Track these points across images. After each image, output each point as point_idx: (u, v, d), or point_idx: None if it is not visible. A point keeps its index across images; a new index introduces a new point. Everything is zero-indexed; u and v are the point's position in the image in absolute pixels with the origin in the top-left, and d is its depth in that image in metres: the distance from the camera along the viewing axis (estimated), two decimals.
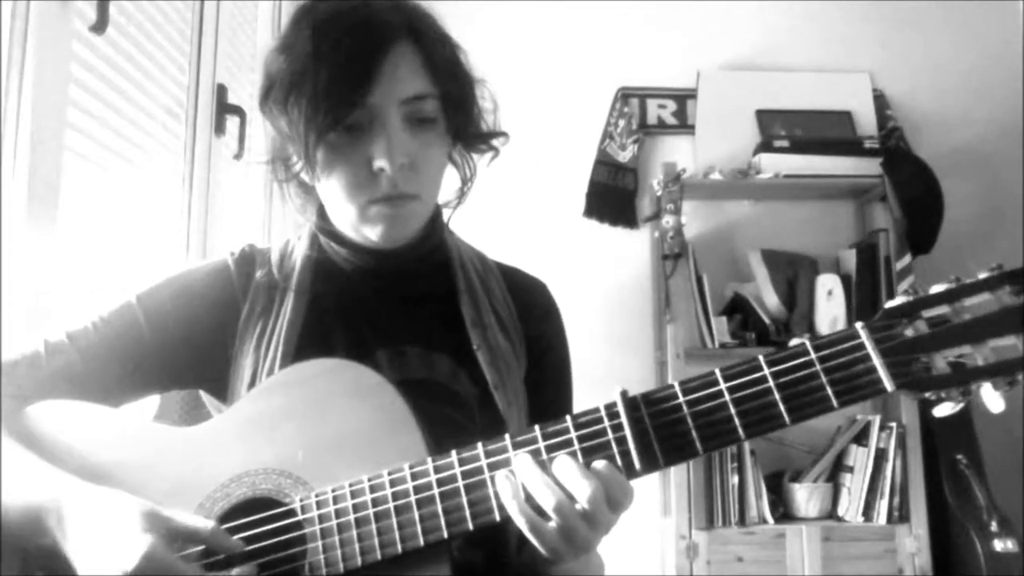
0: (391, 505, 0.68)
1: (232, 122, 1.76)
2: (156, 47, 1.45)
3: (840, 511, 2.28)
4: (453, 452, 0.69)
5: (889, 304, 0.66)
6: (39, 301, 1.07)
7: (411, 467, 0.69)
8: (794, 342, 0.66)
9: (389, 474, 0.69)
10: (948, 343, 0.63)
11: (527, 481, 0.66)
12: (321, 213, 0.89)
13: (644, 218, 2.57)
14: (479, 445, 0.69)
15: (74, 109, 1.17)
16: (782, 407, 0.65)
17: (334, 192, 0.82)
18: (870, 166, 2.40)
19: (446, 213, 0.92)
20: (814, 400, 0.65)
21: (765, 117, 2.57)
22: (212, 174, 1.67)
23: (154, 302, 0.85)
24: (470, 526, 0.67)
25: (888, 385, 0.63)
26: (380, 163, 0.78)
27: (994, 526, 2.16)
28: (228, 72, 1.77)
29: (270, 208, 2.06)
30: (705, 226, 2.60)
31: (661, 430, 0.67)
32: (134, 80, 1.37)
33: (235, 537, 0.69)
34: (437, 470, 0.68)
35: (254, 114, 1.87)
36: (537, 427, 0.69)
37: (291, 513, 0.70)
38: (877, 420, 2.30)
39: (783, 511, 2.30)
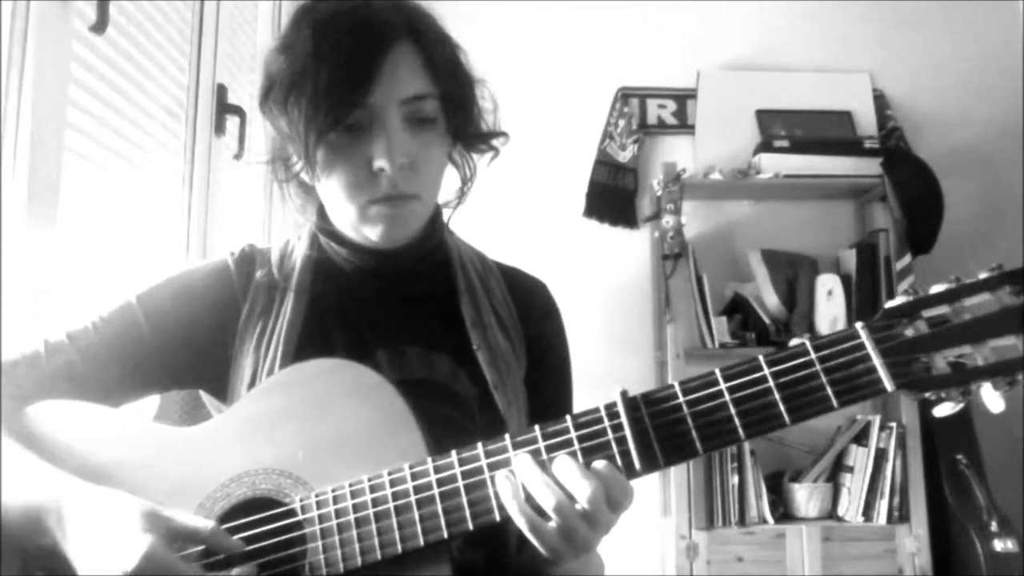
0: (391, 505, 0.68)
1: (232, 122, 1.76)
2: (156, 47, 1.45)
3: (840, 511, 2.28)
4: (453, 452, 0.69)
5: (889, 304, 0.66)
6: (39, 301, 1.07)
7: (411, 467, 0.69)
8: (794, 342, 0.66)
9: (389, 474, 0.69)
10: (948, 343, 0.63)
11: (527, 481, 0.66)
12: (321, 213, 0.89)
13: (644, 218, 2.58)
14: (479, 445, 0.69)
15: (74, 109, 1.17)
16: (782, 407, 0.65)
17: (334, 192, 0.82)
18: (870, 166, 2.40)
19: (446, 213, 0.92)
20: (814, 400, 0.65)
21: (765, 117, 2.57)
22: (212, 174, 1.67)
23: (154, 302, 0.85)
24: (470, 526, 0.67)
25: (888, 385, 0.63)
26: (380, 163, 0.78)
27: (994, 526, 2.16)
28: (228, 72, 1.77)
29: (270, 208, 2.06)
30: (705, 226, 2.60)
31: (661, 430, 0.67)
32: (134, 80, 1.37)
33: (235, 537, 0.69)
34: (437, 470, 0.68)
35: (254, 114, 1.87)
36: (537, 427, 0.69)
37: (291, 513, 0.70)
38: (877, 420, 2.30)
39: (783, 511, 2.30)
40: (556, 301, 0.96)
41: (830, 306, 2.37)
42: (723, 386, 0.66)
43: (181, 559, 0.65)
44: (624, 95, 2.63)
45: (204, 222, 1.64)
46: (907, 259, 2.32)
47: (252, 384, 0.81)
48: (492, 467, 0.68)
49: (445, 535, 0.67)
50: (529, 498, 0.66)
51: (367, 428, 0.72)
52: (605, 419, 0.68)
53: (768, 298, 2.42)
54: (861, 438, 2.31)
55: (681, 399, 0.67)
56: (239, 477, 0.72)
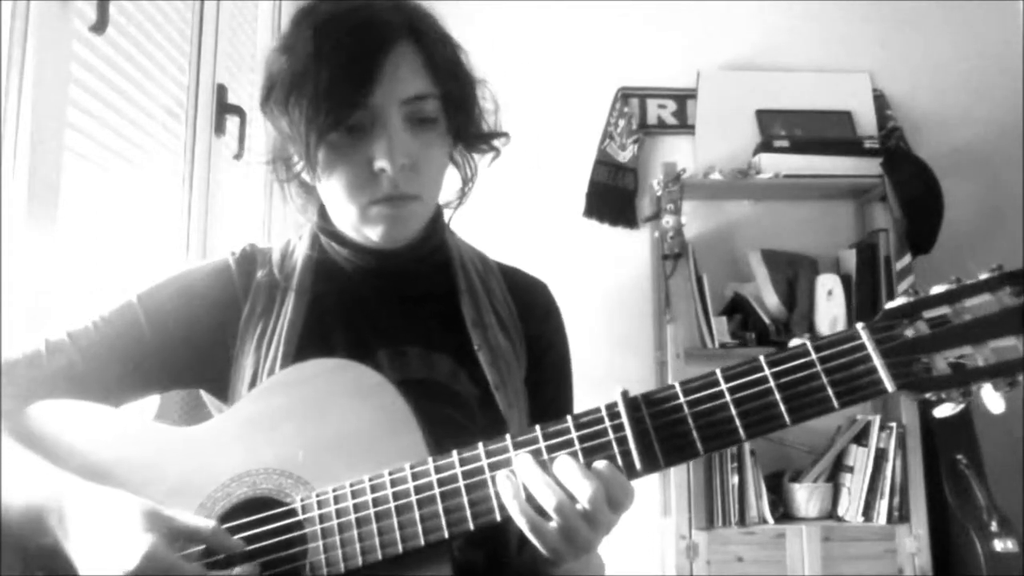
0: (392, 505, 0.68)
1: (232, 122, 1.76)
2: (156, 47, 1.45)
3: (840, 511, 2.28)
4: (454, 452, 0.69)
5: (890, 305, 0.66)
6: (39, 301, 1.07)
7: (412, 467, 0.69)
8: (795, 342, 0.66)
9: (390, 474, 0.69)
10: (948, 344, 0.63)
11: (528, 481, 0.66)
12: (322, 213, 0.89)
13: (644, 218, 2.58)
14: (480, 445, 0.69)
15: (74, 109, 1.17)
16: (783, 407, 0.65)
17: (335, 192, 0.82)
18: (870, 166, 2.40)
19: (447, 213, 0.92)
20: (815, 400, 0.65)
21: (765, 117, 2.57)
22: (212, 174, 1.67)
23: (155, 302, 0.85)
24: (471, 526, 0.67)
25: (889, 386, 0.63)
26: (381, 163, 0.78)
27: (994, 526, 2.16)
28: (228, 72, 1.77)
29: (270, 208, 2.06)
30: (705, 226, 2.60)
31: (662, 430, 0.67)
32: (134, 80, 1.37)
33: (236, 537, 0.69)
34: (438, 470, 0.68)
35: (254, 114, 1.87)
36: (538, 427, 0.69)
37: (292, 513, 0.70)
38: (877, 420, 2.30)
39: (783, 511, 2.30)
40: (556, 301, 0.96)
41: (830, 306, 2.37)
42: (724, 386, 0.66)
43: (182, 558, 0.65)
44: (624, 95, 2.63)
45: (204, 222, 1.64)
46: (907, 259, 2.32)
47: (253, 384, 0.81)
48: (493, 467, 0.68)
49: (446, 535, 0.67)
50: (530, 498, 0.66)
51: (368, 428, 0.72)
52: (606, 419, 0.68)
53: (768, 298, 2.42)
54: (861, 438, 2.31)
55: (682, 399, 0.67)
56: (240, 477, 0.72)
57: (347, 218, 0.84)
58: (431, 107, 0.81)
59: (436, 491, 0.68)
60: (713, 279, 2.42)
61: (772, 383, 0.65)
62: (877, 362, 0.64)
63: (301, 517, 0.70)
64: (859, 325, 0.65)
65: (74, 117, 1.17)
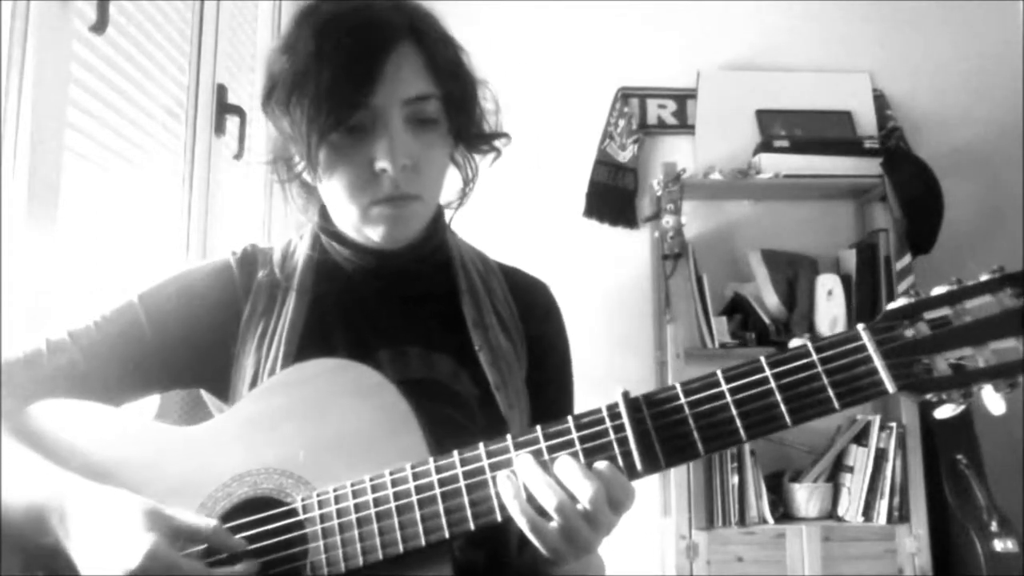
0: (393, 505, 0.68)
1: (232, 122, 1.76)
2: (156, 47, 1.45)
3: (840, 511, 2.28)
4: (455, 452, 0.69)
5: (891, 306, 0.66)
6: (39, 301, 1.07)
7: (413, 467, 0.69)
8: (795, 343, 0.66)
9: (391, 474, 0.69)
10: (949, 345, 0.64)
11: (529, 481, 0.66)
12: (323, 213, 0.89)
13: (644, 218, 2.57)
14: (481, 445, 0.69)
15: (74, 109, 1.17)
16: (784, 408, 0.65)
17: (336, 193, 0.82)
18: (870, 166, 2.40)
19: (448, 214, 0.92)
20: (816, 401, 0.65)
21: (765, 117, 2.57)
22: (212, 174, 1.67)
23: (156, 301, 0.85)
24: (471, 526, 0.67)
25: (889, 387, 0.63)
26: (382, 164, 0.78)
27: (994, 526, 2.16)
28: (228, 72, 1.77)
29: (270, 208, 2.06)
30: (705, 226, 2.60)
31: (663, 431, 0.67)
32: (134, 80, 1.37)
33: (237, 536, 0.69)
34: (439, 470, 0.69)
35: (254, 114, 1.87)
36: (539, 427, 0.69)
37: (292, 512, 0.70)
38: (877, 420, 2.30)
39: (783, 511, 2.30)
40: (557, 301, 0.96)
41: (830, 306, 2.37)
42: (724, 387, 0.66)
43: (183, 558, 0.65)
44: (624, 95, 2.63)
45: (204, 222, 1.64)
46: (907, 259, 2.32)
47: (254, 384, 0.81)
48: (494, 467, 0.68)
49: (447, 535, 0.67)
50: (531, 498, 0.66)
51: (368, 428, 0.72)
52: (607, 420, 0.68)
53: (768, 298, 2.42)
54: (861, 438, 2.31)
55: (683, 400, 0.67)
56: (240, 476, 0.72)
57: (348, 218, 0.84)
58: (432, 108, 0.81)
59: (437, 491, 0.68)
60: (713, 279, 2.42)
61: (773, 384, 0.66)
62: (878, 363, 0.64)
63: (302, 517, 0.70)
64: (860, 326, 0.65)
65: (74, 117, 1.17)
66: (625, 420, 0.67)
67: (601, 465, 0.66)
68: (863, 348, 0.65)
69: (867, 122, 2.57)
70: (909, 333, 0.64)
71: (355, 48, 0.77)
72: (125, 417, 0.81)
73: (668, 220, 2.32)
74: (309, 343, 0.83)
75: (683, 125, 2.64)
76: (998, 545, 2.13)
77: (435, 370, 0.84)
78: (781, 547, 2.19)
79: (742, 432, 0.66)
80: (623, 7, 2.66)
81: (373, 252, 0.86)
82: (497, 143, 0.90)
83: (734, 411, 0.66)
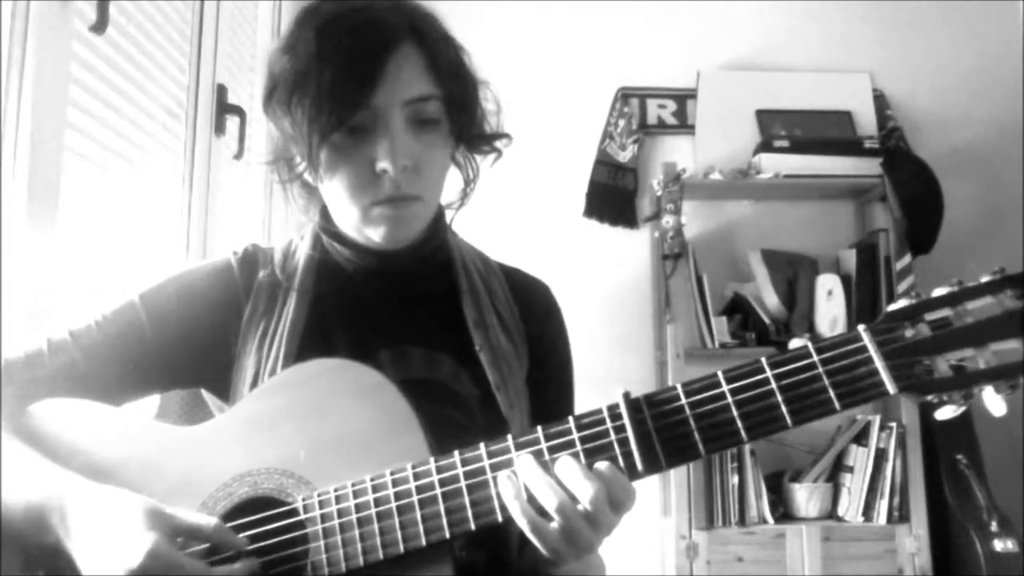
0: (393, 505, 0.68)
1: (232, 122, 1.76)
2: (156, 47, 1.45)
3: (840, 511, 2.28)
4: (456, 452, 0.69)
5: (892, 307, 0.66)
6: (39, 301, 1.06)
7: (414, 467, 0.69)
8: (796, 344, 0.66)
9: (391, 474, 0.69)
10: (950, 346, 0.64)
11: (529, 482, 0.67)
12: (324, 213, 0.89)
13: (644, 218, 2.57)
14: (482, 445, 0.69)
15: (74, 109, 1.17)
16: (784, 409, 0.65)
17: (337, 193, 0.82)
18: (870, 166, 2.40)
19: (449, 214, 0.92)
20: (817, 402, 0.65)
21: (765, 117, 2.57)
22: (212, 174, 1.67)
23: (157, 301, 0.85)
24: (472, 526, 0.67)
25: (890, 388, 0.63)
26: (383, 164, 0.78)
27: (994, 526, 2.16)
28: (228, 72, 1.77)
29: (270, 208, 2.06)
30: (705, 226, 2.60)
31: (663, 432, 0.67)
32: (134, 80, 1.37)
33: (238, 536, 0.69)
34: (439, 470, 0.69)
35: (254, 114, 1.87)
36: (540, 428, 0.69)
37: (293, 512, 0.70)
38: (877, 420, 2.30)
39: (783, 511, 2.30)
40: (558, 302, 0.97)
41: (830, 306, 2.37)
42: (725, 388, 0.66)
43: (184, 557, 0.65)
44: (624, 95, 2.63)
45: (204, 222, 1.64)
46: (907, 259, 2.32)
47: (254, 383, 0.81)
48: (495, 467, 0.68)
49: (447, 535, 0.67)
50: (531, 499, 0.66)
51: (369, 428, 0.72)
52: (608, 420, 0.68)
53: (768, 298, 2.42)
54: (861, 438, 2.31)
55: (683, 400, 0.67)
56: (241, 476, 0.72)
57: (349, 219, 0.84)
58: (433, 108, 0.81)
59: (438, 491, 0.68)
60: (713, 279, 2.42)
61: (774, 385, 0.66)
62: (879, 364, 0.64)
63: (303, 517, 0.70)
64: (861, 327, 0.65)
65: (74, 117, 1.17)
66: (626, 420, 0.67)
67: (602, 465, 0.66)
68: (864, 349, 0.65)
69: (867, 122, 2.57)
70: (910, 334, 0.64)
71: (356, 48, 0.77)
72: (126, 417, 0.81)
73: (668, 220, 2.32)
74: (310, 343, 0.83)
75: (683, 125, 2.64)
76: (998, 545, 2.13)
77: (436, 370, 0.84)
78: (781, 547, 2.19)
79: (743, 433, 0.66)
80: (623, 7, 2.65)
81: (374, 252, 0.86)
82: (498, 144, 0.90)
83: (735, 412, 0.66)
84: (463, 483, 0.68)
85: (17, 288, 1.02)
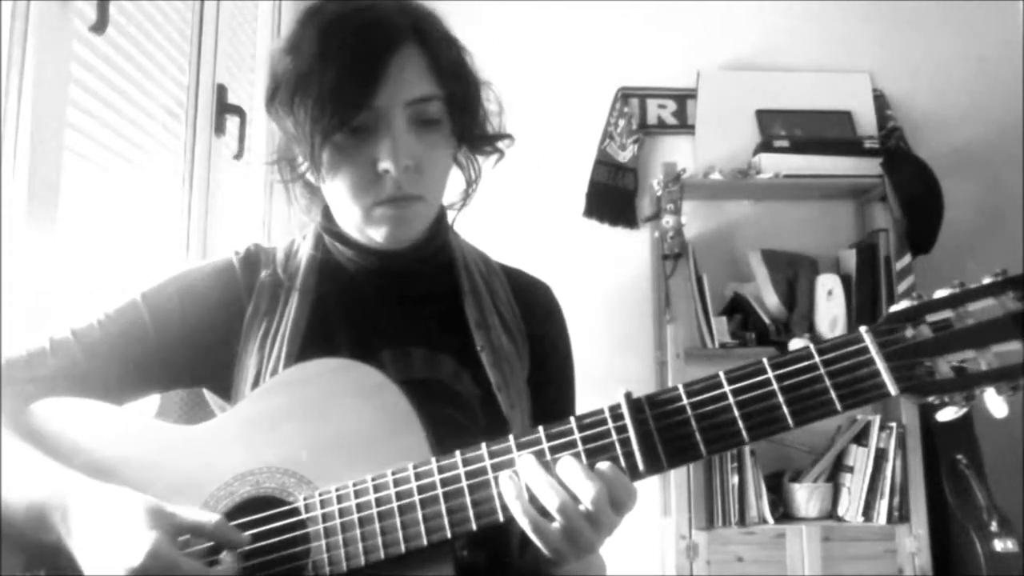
0: (394, 505, 0.68)
1: (232, 122, 1.76)
2: (156, 47, 1.45)
3: (840, 511, 2.28)
4: (457, 452, 0.69)
5: (893, 308, 0.66)
6: (39, 301, 1.06)
7: (415, 467, 0.69)
8: (797, 344, 0.66)
9: (393, 474, 0.69)
10: (951, 347, 0.64)
11: (531, 482, 0.67)
12: (326, 213, 0.89)
13: (644, 218, 2.57)
14: (483, 445, 0.69)
15: (74, 109, 1.17)
16: (786, 410, 0.65)
17: (339, 193, 0.82)
18: (870, 166, 2.40)
19: (450, 215, 0.92)
20: (818, 403, 0.65)
21: (765, 117, 2.57)
22: (212, 174, 1.67)
23: (158, 300, 0.85)
24: (473, 526, 0.67)
25: (892, 389, 0.63)
26: (385, 165, 0.78)
27: (994, 526, 2.16)
28: (228, 72, 1.77)
29: (270, 208, 2.06)
30: (705, 226, 2.60)
31: (665, 432, 0.67)
32: (134, 80, 1.37)
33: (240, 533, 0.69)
34: (441, 470, 0.69)
35: (254, 114, 1.87)
36: (541, 428, 0.69)
37: (295, 512, 0.70)
38: (877, 420, 2.30)
39: (783, 511, 2.30)
40: (559, 302, 0.97)
41: (830, 306, 2.37)
42: (727, 388, 0.66)
43: (186, 556, 0.65)
44: (624, 95, 2.63)
45: (204, 222, 1.64)
46: (907, 259, 2.32)
47: (256, 383, 0.81)
48: (496, 467, 0.68)
49: (448, 535, 0.67)
50: (533, 499, 0.66)
51: (370, 428, 0.72)
52: (609, 420, 0.68)
53: (768, 298, 2.42)
54: (861, 438, 2.31)
55: (685, 401, 0.67)
56: (243, 476, 0.73)
57: (351, 219, 0.84)
58: (435, 109, 0.81)
59: (439, 491, 0.68)
60: (713, 279, 2.42)
61: (775, 385, 0.66)
62: (880, 365, 0.64)
63: (304, 516, 0.70)
64: (862, 328, 0.65)
65: (74, 117, 1.17)
66: (628, 421, 0.67)
67: (603, 466, 0.66)
68: (865, 350, 0.65)
69: (867, 122, 2.57)
70: (911, 335, 0.64)
71: (359, 49, 0.77)
72: (127, 416, 0.81)
73: (668, 220, 2.32)
74: (311, 343, 0.83)
75: (683, 125, 2.64)
76: (998, 545, 2.13)
77: (437, 370, 0.84)
78: (781, 547, 2.19)
79: (744, 433, 0.66)
80: (623, 7, 2.65)
81: (376, 252, 0.86)
82: (500, 144, 0.90)
83: (736, 412, 0.66)
84: (464, 483, 0.68)
85: (17, 288, 1.02)
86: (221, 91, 1.70)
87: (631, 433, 0.67)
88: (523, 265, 0.98)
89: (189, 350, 0.84)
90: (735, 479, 2.22)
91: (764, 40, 2.67)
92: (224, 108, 1.71)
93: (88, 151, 1.24)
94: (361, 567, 0.68)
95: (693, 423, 0.66)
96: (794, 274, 2.43)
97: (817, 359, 0.65)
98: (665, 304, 2.33)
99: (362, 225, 0.83)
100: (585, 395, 0.90)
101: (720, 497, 2.22)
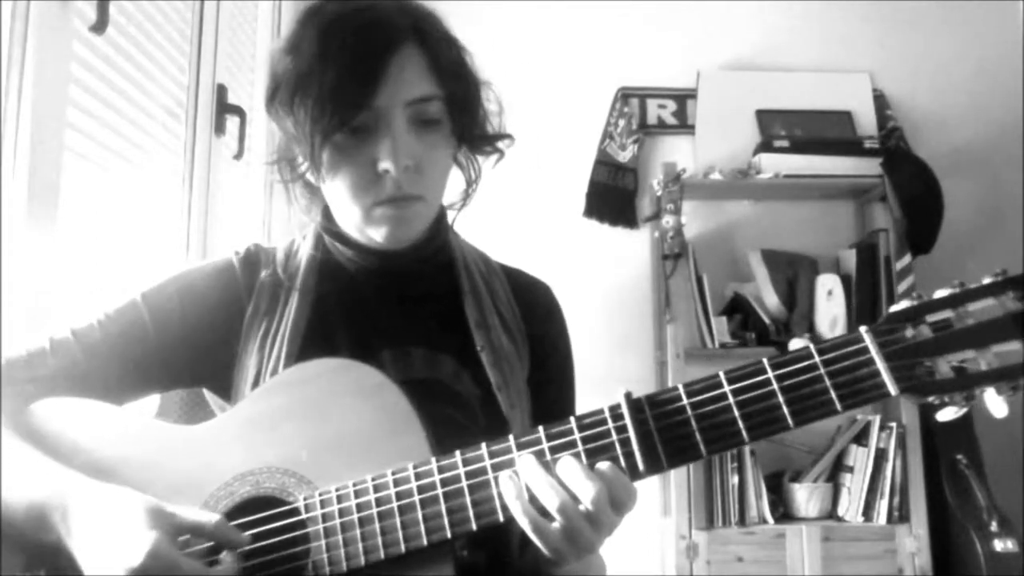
0: (394, 505, 0.68)
1: (232, 122, 1.76)
2: (156, 47, 1.45)
3: (840, 511, 2.28)
4: (457, 452, 0.69)
5: (893, 308, 0.66)
6: (39, 301, 1.06)
7: (415, 467, 0.69)
8: (797, 344, 0.66)
9: (393, 473, 0.69)
10: (951, 347, 0.64)
11: (531, 482, 0.67)
12: (326, 213, 0.89)
13: (644, 218, 2.57)
14: (483, 445, 0.69)
15: (74, 109, 1.17)
16: (786, 410, 0.65)
17: (339, 193, 0.82)
18: (870, 166, 2.40)
19: (450, 215, 0.92)
20: (818, 403, 0.65)
21: (765, 117, 2.57)
22: (212, 174, 1.67)
23: (158, 300, 0.85)
24: (473, 526, 0.67)
25: (892, 389, 0.63)
26: (385, 165, 0.78)
27: (994, 526, 2.16)
28: (228, 72, 1.77)
29: (270, 208, 2.06)
30: (705, 226, 2.60)
31: (665, 432, 0.67)
32: (134, 80, 1.37)
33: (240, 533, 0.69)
34: (441, 470, 0.69)
35: (254, 114, 1.87)
36: (541, 428, 0.69)
37: (295, 512, 0.70)
38: (877, 420, 2.30)
39: (783, 511, 2.30)
40: (559, 302, 0.97)
41: (830, 306, 2.37)
42: (727, 388, 0.66)
43: (186, 556, 0.65)
44: (624, 95, 2.63)
45: (204, 222, 1.63)
46: (907, 259, 2.32)
47: (256, 383, 0.81)
48: (496, 467, 0.68)
49: (448, 535, 0.67)
50: (533, 499, 0.66)
51: (370, 428, 0.72)
52: (609, 420, 0.68)
53: (768, 298, 2.42)
54: (861, 438, 2.31)
55: (685, 401, 0.67)
56: (243, 476, 0.73)
57: (351, 219, 0.84)
58: (435, 109, 0.81)
59: (439, 491, 0.68)
60: (713, 279, 2.42)
61: (775, 385, 0.66)
62: (880, 365, 0.64)
63: (304, 516, 0.70)
64: (863, 329, 0.65)
65: (74, 117, 1.17)
66: (628, 421, 0.67)
67: (603, 465, 0.66)
68: (866, 350, 0.65)
69: (867, 122, 2.57)
70: (911, 335, 0.64)
71: (359, 49, 0.77)
72: (127, 416, 0.81)
73: (668, 220, 2.32)
74: (311, 343, 0.83)
75: (683, 125, 2.64)
76: (998, 545, 2.13)
77: (437, 370, 0.84)
78: (781, 547, 2.19)
79: (744, 433, 0.66)
80: (623, 7, 2.65)
81: (376, 252, 0.86)
82: (500, 144, 0.90)
83: (736, 412, 0.66)
84: (464, 483, 0.68)
85: (17, 288, 1.02)
86: (221, 91, 1.70)
87: (631, 433, 0.67)
88: (523, 265, 0.98)
89: (189, 350, 0.84)
90: (735, 479, 2.22)
91: (764, 40, 2.67)
92: (224, 108, 1.71)
93: (88, 151, 1.24)
94: (361, 567, 0.68)
95: (693, 423, 0.66)
96: (794, 274, 2.43)
97: (817, 359, 0.65)
98: (665, 304, 2.33)
99: (362, 225, 0.83)
100: (585, 395, 0.90)
101: (720, 497, 2.23)
